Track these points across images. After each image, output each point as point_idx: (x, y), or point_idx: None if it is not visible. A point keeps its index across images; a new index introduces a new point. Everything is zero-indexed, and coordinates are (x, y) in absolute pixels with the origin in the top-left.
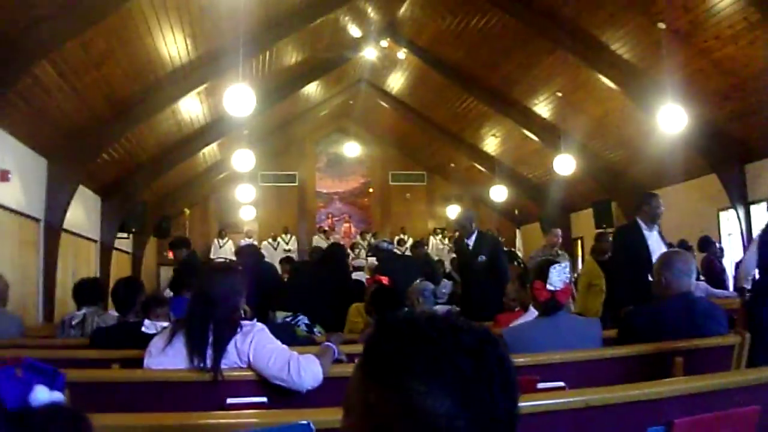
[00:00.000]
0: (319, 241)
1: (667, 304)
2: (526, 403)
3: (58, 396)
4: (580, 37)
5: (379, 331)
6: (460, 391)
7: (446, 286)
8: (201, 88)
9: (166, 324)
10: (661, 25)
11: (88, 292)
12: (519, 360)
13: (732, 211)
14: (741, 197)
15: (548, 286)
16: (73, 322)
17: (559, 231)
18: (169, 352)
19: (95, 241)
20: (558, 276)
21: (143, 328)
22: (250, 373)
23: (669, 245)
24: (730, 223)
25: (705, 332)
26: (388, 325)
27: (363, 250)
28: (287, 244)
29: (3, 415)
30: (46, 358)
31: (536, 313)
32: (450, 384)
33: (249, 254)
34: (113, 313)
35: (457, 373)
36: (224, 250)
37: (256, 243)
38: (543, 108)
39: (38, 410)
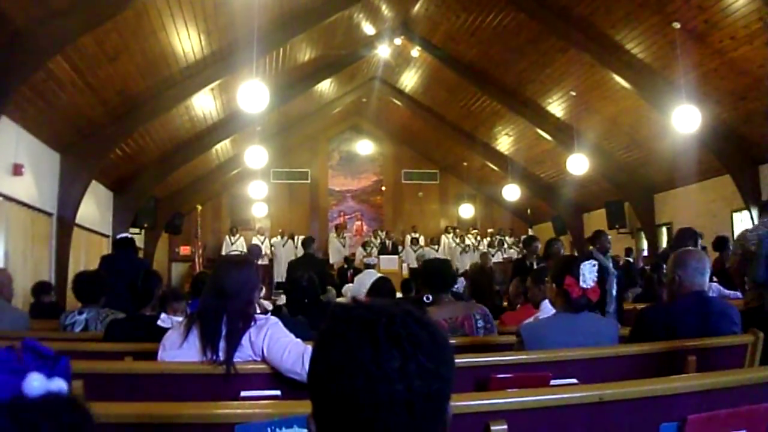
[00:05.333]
0: (332, 239)
1: (681, 302)
2: (540, 397)
3: (57, 384)
4: (594, 37)
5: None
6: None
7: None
8: (214, 84)
9: (182, 319)
10: (676, 25)
11: (87, 287)
12: (532, 356)
13: (746, 213)
14: (755, 198)
15: (581, 284)
16: (76, 329)
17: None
18: (184, 346)
19: (107, 236)
20: (590, 273)
21: (159, 322)
22: (263, 366)
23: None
24: (743, 225)
25: (718, 331)
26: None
27: (375, 249)
28: (296, 248)
29: None
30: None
31: (550, 309)
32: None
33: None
34: (119, 314)
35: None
36: (236, 247)
37: (266, 240)
38: (557, 107)
39: (31, 401)
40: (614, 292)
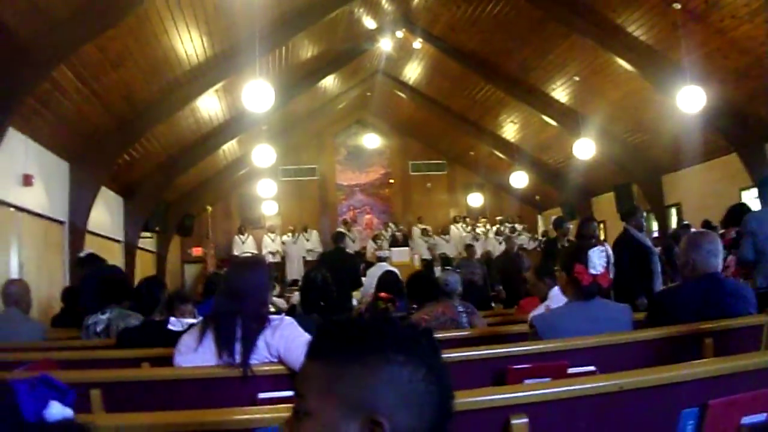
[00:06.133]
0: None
1: (696, 284)
2: (559, 389)
3: (69, 412)
4: (596, 21)
5: (348, 319)
6: (427, 361)
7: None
8: (219, 85)
9: (192, 321)
10: (677, 6)
11: (109, 289)
12: (548, 345)
13: (754, 190)
14: (762, 175)
15: (591, 270)
16: (98, 329)
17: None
18: (199, 350)
19: (119, 242)
20: (598, 259)
21: (169, 326)
22: (280, 367)
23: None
24: (753, 202)
25: (734, 312)
26: (352, 318)
27: (386, 241)
28: (308, 241)
29: (21, 427)
30: (73, 359)
31: (560, 299)
32: (419, 356)
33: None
34: (138, 315)
35: (421, 346)
36: (247, 246)
37: (277, 237)
38: (561, 93)
39: (53, 425)
40: (659, 270)
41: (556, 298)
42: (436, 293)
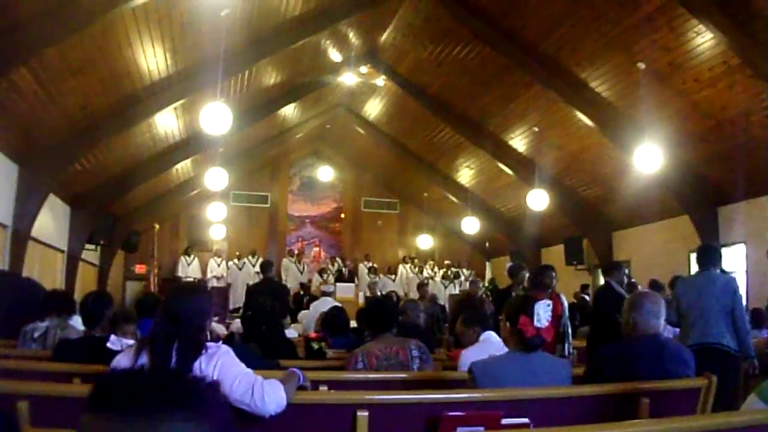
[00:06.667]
0: (289, 264)
1: (636, 344)
2: None
3: None
4: (559, 73)
5: (131, 372)
6: (211, 417)
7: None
8: (178, 103)
9: (132, 341)
10: (641, 65)
11: (56, 302)
12: (485, 394)
13: None
14: (712, 239)
15: (536, 323)
16: (35, 335)
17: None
18: None
19: (62, 251)
20: (544, 312)
21: (108, 344)
22: None
23: None
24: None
25: (673, 374)
26: (136, 371)
27: (332, 276)
28: (253, 267)
29: None
30: (6, 369)
31: (493, 344)
32: (203, 412)
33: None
34: (77, 326)
35: (206, 402)
36: (192, 268)
37: (223, 262)
38: (519, 142)
39: None
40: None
41: (487, 342)
42: (393, 325)
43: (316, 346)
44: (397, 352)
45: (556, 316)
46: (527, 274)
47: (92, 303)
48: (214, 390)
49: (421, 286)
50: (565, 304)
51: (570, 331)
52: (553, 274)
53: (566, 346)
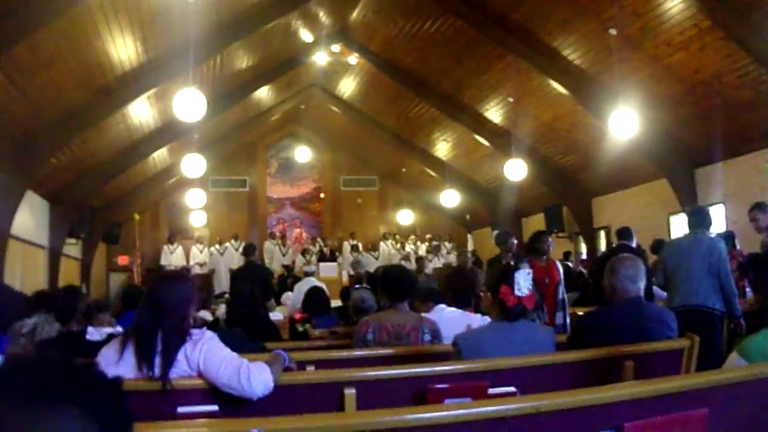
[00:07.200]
0: (271, 247)
1: (615, 310)
2: (476, 410)
3: None
4: (532, 43)
5: (23, 362)
6: (104, 415)
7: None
8: (151, 92)
9: (110, 330)
10: (612, 32)
11: (45, 300)
12: (470, 365)
13: (683, 215)
14: (691, 201)
15: (516, 292)
16: (23, 330)
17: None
18: (120, 363)
19: (43, 248)
20: (524, 281)
21: (87, 336)
22: (200, 381)
23: None
24: (680, 227)
25: (654, 336)
26: (27, 360)
27: (314, 256)
28: (237, 251)
29: None
30: None
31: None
32: (95, 408)
33: None
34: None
35: (98, 398)
36: (175, 256)
37: (205, 249)
38: (494, 113)
39: None
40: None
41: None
42: (411, 294)
43: (300, 328)
44: (409, 334)
45: (554, 283)
46: (515, 242)
47: (63, 298)
48: (112, 386)
49: (420, 260)
50: (561, 270)
51: (566, 298)
52: (549, 240)
53: (564, 314)
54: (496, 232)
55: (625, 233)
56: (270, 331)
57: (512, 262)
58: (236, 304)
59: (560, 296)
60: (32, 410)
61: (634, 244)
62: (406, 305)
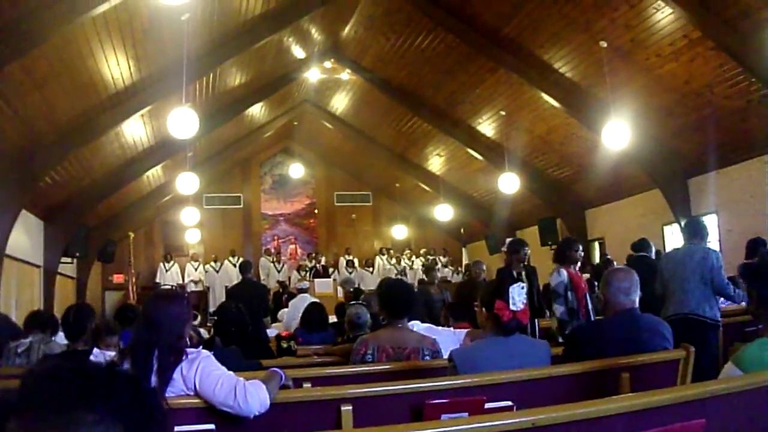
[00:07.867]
0: (267, 264)
1: (611, 321)
2: (473, 425)
3: None
4: (523, 57)
5: (35, 371)
6: (127, 420)
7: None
8: (145, 110)
9: (114, 353)
10: (603, 44)
11: (39, 319)
12: (466, 380)
13: (676, 226)
14: (685, 211)
15: (511, 306)
16: (19, 350)
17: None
18: None
19: (39, 267)
20: (519, 295)
21: (91, 357)
22: (196, 400)
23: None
24: (674, 237)
25: (650, 348)
26: (42, 369)
27: (308, 273)
28: (235, 267)
29: None
30: None
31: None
32: (115, 413)
33: None
34: (60, 341)
35: (119, 401)
36: (171, 274)
37: (200, 266)
38: (487, 127)
39: None
40: None
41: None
42: (411, 310)
43: (285, 344)
44: (409, 356)
45: (583, 294)
46: (528, 251)
47: (74, 315)
48: (135, 388)
49: (429, 271)
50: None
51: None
52: (580, 247)
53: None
54: (508, 240)
55: (639, 246)
56: (260, 349)
57: (523, 273)
58: (223, 323)
59: (592, 305)
60: (52, 421)
61: (653, 255)
62: (405, 322)
